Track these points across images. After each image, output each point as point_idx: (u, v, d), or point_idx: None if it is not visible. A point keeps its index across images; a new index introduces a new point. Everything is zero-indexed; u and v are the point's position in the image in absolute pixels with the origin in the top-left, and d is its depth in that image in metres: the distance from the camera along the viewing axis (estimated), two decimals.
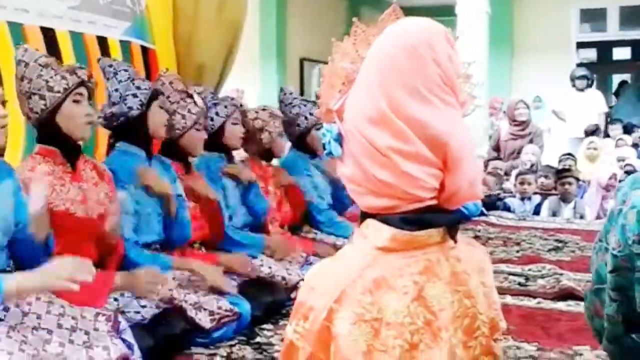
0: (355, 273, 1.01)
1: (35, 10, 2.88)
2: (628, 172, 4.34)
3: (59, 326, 1.94)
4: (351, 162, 1.05)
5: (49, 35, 2.96)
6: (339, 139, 1.06)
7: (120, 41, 3.42)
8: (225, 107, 3.20)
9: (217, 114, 3.15)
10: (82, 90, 2.26)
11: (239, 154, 3.58)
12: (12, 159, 2.65)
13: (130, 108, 2.58)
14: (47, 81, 2.20)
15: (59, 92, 2.20)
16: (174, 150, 2.92)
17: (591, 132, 7.17)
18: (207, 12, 3.79)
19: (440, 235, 1.04)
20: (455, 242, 1.05)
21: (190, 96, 2.92)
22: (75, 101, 2.24)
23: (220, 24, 3.86)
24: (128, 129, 2.63)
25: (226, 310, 2.50)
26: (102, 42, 3.29)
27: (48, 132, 2.27)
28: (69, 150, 2.30)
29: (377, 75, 1.01)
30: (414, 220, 1.01)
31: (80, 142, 2.36)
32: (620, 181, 4.53)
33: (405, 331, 1.00)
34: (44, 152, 2.27)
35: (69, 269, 1.79)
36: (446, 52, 1.02)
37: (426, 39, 1.01)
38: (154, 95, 2.65)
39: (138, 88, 2.59)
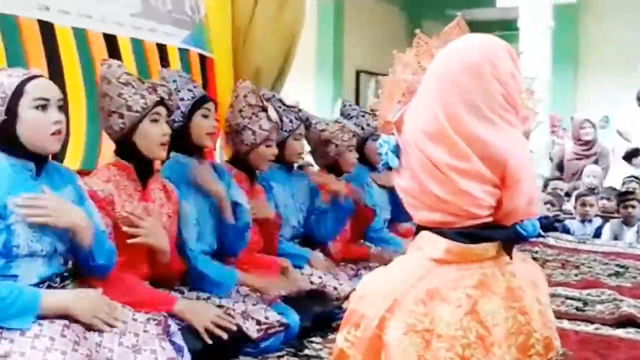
0: (409, 283, 0.99)
1: (97, 17, 2.95)
2: None
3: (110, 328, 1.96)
4: (408, 174, 1.03)
5: (111, 41, 3.02)
6: (396, 150, 1.04)
7: (179, 49, 3.47)
8: (291, 121, 3.21)
9: (281, 128, 3.16)
10: (161, 109, 2.31)
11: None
12: (72, 163, 2.73)
13: (174, 121, 2.60)
14: (126, 100, 2.25)
15: (137, 112, 2.25)
16: (240, 162, 2.98)
17: (629, 156, 6.83)
18: (264, 17, 3.80)
19: (496, 250, 1.01)
20: (511, 257, 1.01)
21: (265, 110, 2.92)
22: (153, 120, 2.28)
23: (277, 30, 3.87)
24: (176, 139, 2.61)
25: (274, 321, 2.48)
26: (162, 49, 3.35)
27: (125, 149, 2.32)
28: (143, 169, 2.35)
29: (437, 91, 0.99)
30: (470, 234, 0.98)
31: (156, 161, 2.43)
32: None
33: (457, 344, 0.97)
34: (120, 166, 2.32)
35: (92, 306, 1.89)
36: (509, 70, 0.99)
37: (489, 56, 0.99)
38: (197, 105, 2.65)
39: (181, 100, 2.62)
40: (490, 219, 0.99)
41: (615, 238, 5.32)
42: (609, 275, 4.14)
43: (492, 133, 0.96)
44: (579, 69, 9.40)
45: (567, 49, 9.04)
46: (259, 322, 2.44)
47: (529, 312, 1.02)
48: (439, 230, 1.00)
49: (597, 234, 5.48)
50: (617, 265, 4.40)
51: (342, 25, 10.24)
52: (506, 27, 8.43)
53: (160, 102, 2.30)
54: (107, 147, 2.65)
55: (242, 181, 2.94)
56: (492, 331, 0.98)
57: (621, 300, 3.43)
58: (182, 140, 2.63)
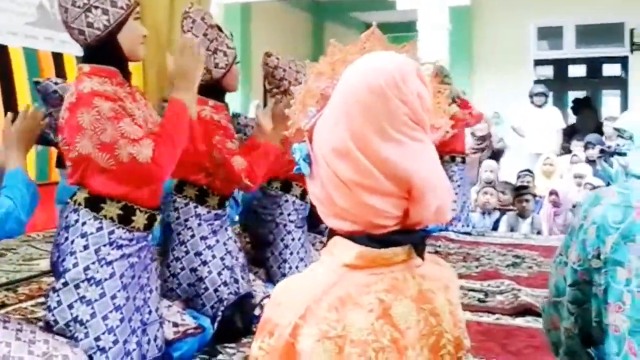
0: (321, 289, 1.00)
1: None
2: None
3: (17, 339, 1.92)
4: (319, 183, 1.04)
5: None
6: (308, 159, 1.05)
7: (77, 57, 3.36)
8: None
9: None
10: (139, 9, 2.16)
11: None
12: None
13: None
14: None
15: (122, 8, 2.08)
16: (212, 91, 2.75)
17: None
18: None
19: (406, 253, 1.03)
20: (423, 259, 1.05)
21: (221, 30, 2.78)
22: (136, 19, 2.14)
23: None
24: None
25: (190, 323, 2.47)
26: (58, 58, 3.23)
27: (107, 51, 2.08)
28: (126, 72, 2.16)
29: (343, 110, 1.00)
30: (381, 239, 1.00)
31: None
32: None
33: (369, 349, 0.98)
34: (99, 72, 2.06)
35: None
36: (415, 89, 1.00)
37: (395, 77, 0.98)
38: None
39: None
40: (397, 227, 1.02)
41: (512, 230, 5.60)
42: (507, 266, 4.35)
43: (396, 152, 0.97)
44: (473, 67, 9.79)
45: (462, 50, 9.41)
46: (175, 324, 2.42)
47: (440, 314, 1.05)
48: (351, 236, 1.02)
49: (495, 227, 5.76)
50: (514, 256, 4.64)
51: (248, 28, 10.16)
52: (406, 29, 8.67)
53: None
54: None
55: (221, 110, 2.78)
56: (405, 334, 1.00)
57: (519, 290, 3.61)
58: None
